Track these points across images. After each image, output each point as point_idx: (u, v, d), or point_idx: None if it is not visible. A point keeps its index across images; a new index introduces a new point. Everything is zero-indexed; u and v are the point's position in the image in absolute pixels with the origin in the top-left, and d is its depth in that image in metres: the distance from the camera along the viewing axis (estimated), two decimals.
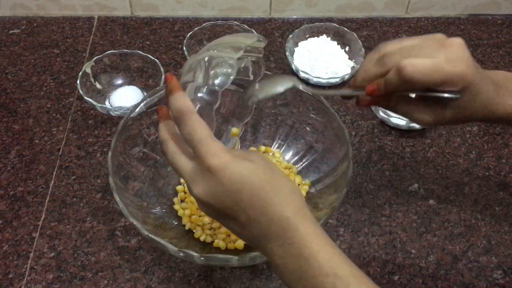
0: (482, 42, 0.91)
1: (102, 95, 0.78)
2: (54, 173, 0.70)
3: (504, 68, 0.86)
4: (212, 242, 0.61)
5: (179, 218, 0.64)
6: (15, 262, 0.62)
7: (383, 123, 0.77)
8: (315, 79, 0.80)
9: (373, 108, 0.77)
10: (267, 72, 0.66)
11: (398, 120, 0.75)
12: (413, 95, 0.50)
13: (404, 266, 0.62)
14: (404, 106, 0.50)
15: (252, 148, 0.70)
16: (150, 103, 0.64)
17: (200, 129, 0.42)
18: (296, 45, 0.85)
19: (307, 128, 0.68)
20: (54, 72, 0.83)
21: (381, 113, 0.76)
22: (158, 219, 0.61)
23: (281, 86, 0.51)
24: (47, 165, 0.71)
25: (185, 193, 0.66)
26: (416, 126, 0.75)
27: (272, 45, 0.88)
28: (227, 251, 0.60)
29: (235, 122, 0.59)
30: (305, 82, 0.81)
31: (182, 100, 0.43)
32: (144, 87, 0.79)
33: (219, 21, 0.84)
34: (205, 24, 0.84)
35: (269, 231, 0.41)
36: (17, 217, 0.65)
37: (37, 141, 0.74)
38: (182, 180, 0.67)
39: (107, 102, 0.77)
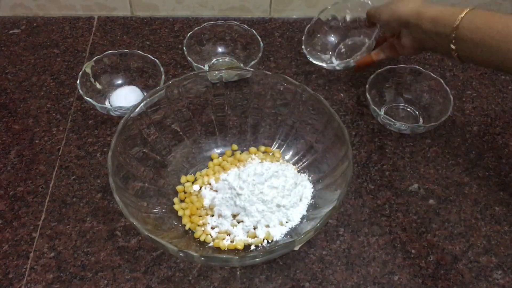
0: None
1: (102, 95, 0.78)
2: (54, 173, 0.70)
3: None
4: (212, 242, 0.61)
5: (179, 218, 0.64)
6: (15, 262, 0.62)
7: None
8: (328, 63, 0.80)
9: (374, 114, 0.76)
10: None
11: (401, 125, 0.73)
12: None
13: (404, 266, 0.62)
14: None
15: (252, 148, 0.70)
16: (150, 103, 0.64)
17: None
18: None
19: (307, 128, 0.68)
20: (54, 72, 0.83)
21: (383, 119, 0.74)
22: (158, 219, 0.61)
23: None
24: (47, 165, 0.71)
25: (185, 193, 0.66)
26: (418, 131, 0.74)
27: (272, 45, 0.88)
28: (227, 251, 0.60)
29: None
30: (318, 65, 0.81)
31: None
32: (144, 87, 0.79)
33: (219, 21, 0.84)
34: (205, 24, 0.84)
35: None
36: (17, 217, 0.66)
37: (37, 141, 0.74)
38: (182, 180, 0.67)
39: (107, 102, 0.77)
